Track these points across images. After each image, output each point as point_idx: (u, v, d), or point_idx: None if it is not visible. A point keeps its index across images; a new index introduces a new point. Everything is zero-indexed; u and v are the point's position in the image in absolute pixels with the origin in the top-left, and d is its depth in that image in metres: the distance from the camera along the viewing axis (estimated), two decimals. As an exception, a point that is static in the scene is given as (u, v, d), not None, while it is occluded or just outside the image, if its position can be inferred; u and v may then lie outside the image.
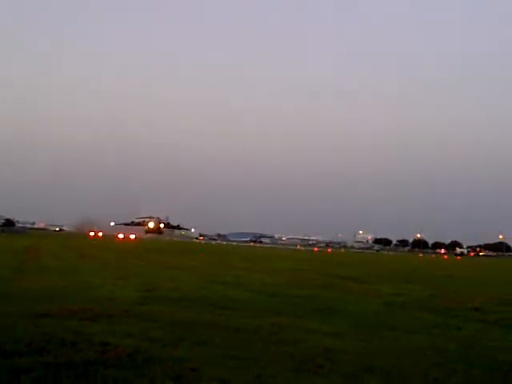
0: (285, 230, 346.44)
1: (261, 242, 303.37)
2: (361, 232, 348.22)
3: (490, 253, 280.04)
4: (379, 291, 29.54)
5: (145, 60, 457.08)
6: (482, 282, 46.05)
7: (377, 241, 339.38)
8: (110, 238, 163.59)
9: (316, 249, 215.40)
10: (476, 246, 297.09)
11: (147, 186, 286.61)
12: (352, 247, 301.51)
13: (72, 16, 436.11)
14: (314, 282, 34.09)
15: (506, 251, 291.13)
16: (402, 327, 17.16)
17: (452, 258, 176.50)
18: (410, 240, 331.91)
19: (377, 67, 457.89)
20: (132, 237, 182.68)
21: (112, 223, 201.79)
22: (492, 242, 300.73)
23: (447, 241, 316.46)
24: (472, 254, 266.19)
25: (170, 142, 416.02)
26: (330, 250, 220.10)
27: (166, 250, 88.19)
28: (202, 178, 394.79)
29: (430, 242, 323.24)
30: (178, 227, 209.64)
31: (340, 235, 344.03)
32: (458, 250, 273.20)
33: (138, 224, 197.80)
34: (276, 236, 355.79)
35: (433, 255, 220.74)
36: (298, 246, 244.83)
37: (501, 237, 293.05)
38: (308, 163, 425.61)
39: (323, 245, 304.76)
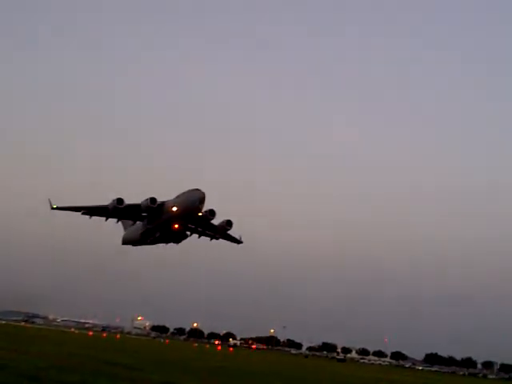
0: (60, 311, 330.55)
1: (33, 322, 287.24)
2: (139, 318, 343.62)
3: (262, 345, 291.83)
4: (148, 379, 30.51)
5: None
6: (247, 374, 48.74)
7: (154, 328, 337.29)
8: None
9: (91, 333, 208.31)
10: (249, 339, 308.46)
11: None
12: (129, 333, 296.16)
13: None
14: (84, 367, 34.03)
15: (276, 345, 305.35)
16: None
17: (225, 349, 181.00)
18: (187, 329, 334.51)
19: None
20: None
21: None
22: (264, 335, 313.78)
23: (222, 332, 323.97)
24: (245, 345, 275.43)
25: None
26: (105, 334, 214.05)
27: None
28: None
29: (206, 331, 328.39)
30: None
31: (118, 319, 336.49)
32: (232, 342, 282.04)
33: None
34: (50, 317, 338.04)
35: (207, 345, 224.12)
36: (73, 329, 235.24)
37: (272, 331, 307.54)
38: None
39: (99, 329, 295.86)
